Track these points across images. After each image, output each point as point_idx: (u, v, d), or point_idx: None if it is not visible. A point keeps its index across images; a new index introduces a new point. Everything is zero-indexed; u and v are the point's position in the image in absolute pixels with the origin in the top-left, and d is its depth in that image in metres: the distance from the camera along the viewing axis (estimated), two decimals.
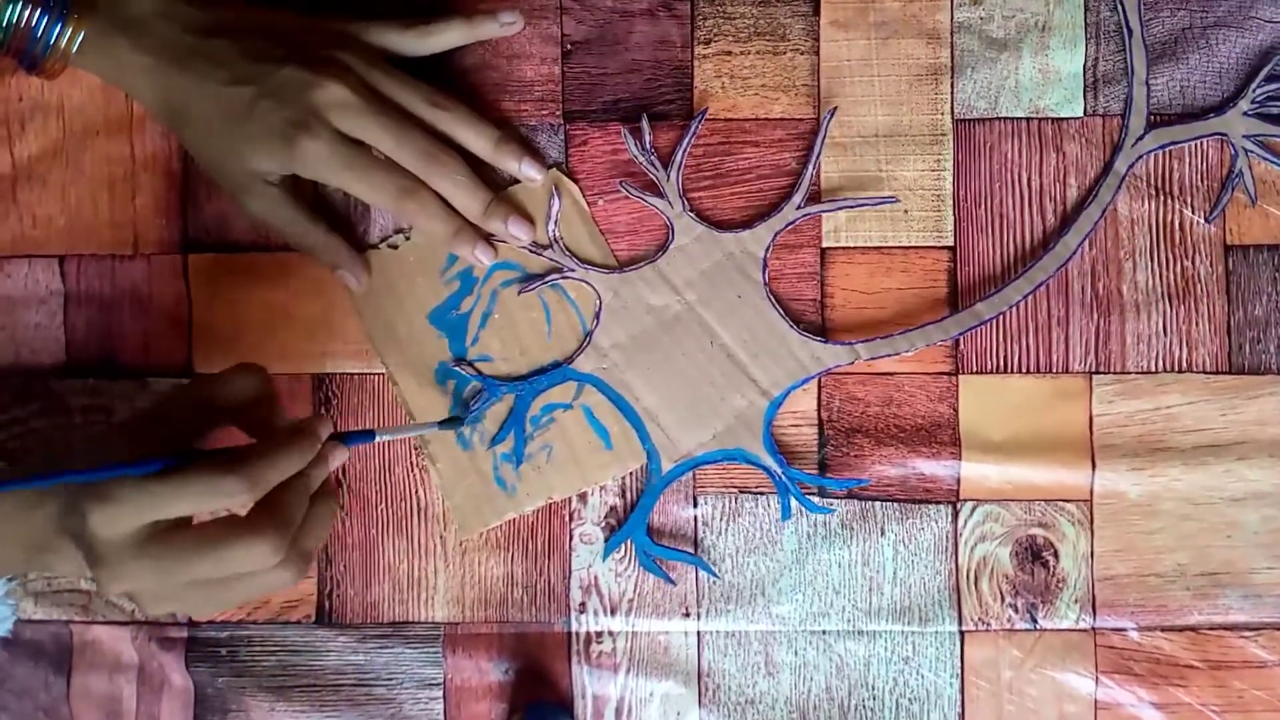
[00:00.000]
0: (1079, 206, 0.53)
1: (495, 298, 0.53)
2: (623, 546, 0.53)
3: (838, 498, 0.53)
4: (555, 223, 0.53)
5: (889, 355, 0.52)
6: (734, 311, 0.53)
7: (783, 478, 0.52)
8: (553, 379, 0.53)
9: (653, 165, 0.53)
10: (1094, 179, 0.53)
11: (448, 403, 0.53)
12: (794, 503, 0.52)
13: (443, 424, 0.52)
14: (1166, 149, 0.53)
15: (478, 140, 0.51)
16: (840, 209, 0.53)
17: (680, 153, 0.53)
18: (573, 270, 0.53)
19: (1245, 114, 0.53)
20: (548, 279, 0.53)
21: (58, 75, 0.49)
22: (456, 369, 0.53)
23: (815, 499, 0.53)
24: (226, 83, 0.48)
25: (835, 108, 0.53)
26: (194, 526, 0.39)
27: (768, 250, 0.53)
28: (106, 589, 0.39)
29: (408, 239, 0.53)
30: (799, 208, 0.52)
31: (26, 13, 0.46)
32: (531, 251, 0.53)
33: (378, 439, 0.47)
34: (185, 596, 0.40)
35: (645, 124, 0.53)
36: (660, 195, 0.53)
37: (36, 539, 0.43)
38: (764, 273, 0.53)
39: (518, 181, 0.53)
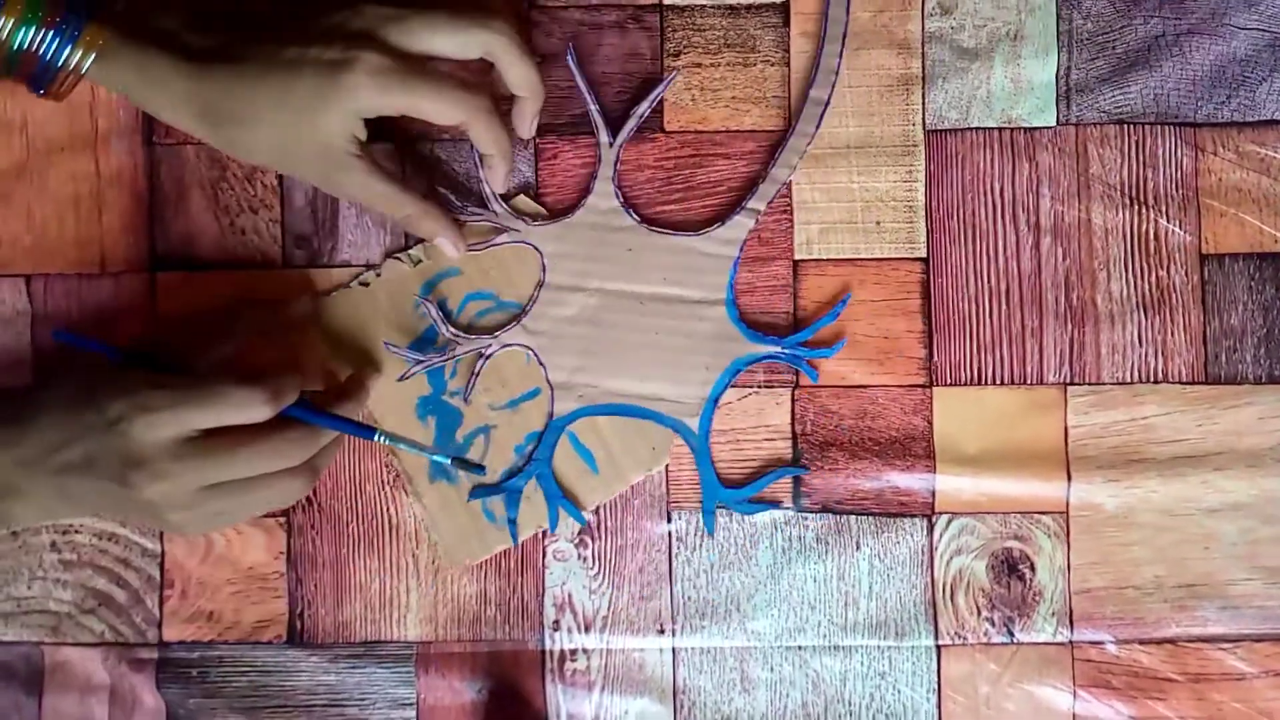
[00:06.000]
0: None
1: None
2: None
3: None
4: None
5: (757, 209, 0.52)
6: (635, 262, 0.52)
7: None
8: (547, 441, 0.52)
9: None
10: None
11: (430, 438, 0.53)
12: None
13: (460, 463, 0.52)
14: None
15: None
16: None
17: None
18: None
19: None
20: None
21: (66, 96, 0.47)
22: (439, 403, 0.53)
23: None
24: (265, 60, 0.46)
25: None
26: (219, 434, 0.45)
27: (618, 195, 0.52)
28: (143, 491, 0.45)
29: (379, 275, 0.53)
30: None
31: (36, 36, 0.45)
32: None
33: (377, 438, 0.50)
34: (206, 504, 0.46)
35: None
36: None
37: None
38: (629, 212, 0.52)
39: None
